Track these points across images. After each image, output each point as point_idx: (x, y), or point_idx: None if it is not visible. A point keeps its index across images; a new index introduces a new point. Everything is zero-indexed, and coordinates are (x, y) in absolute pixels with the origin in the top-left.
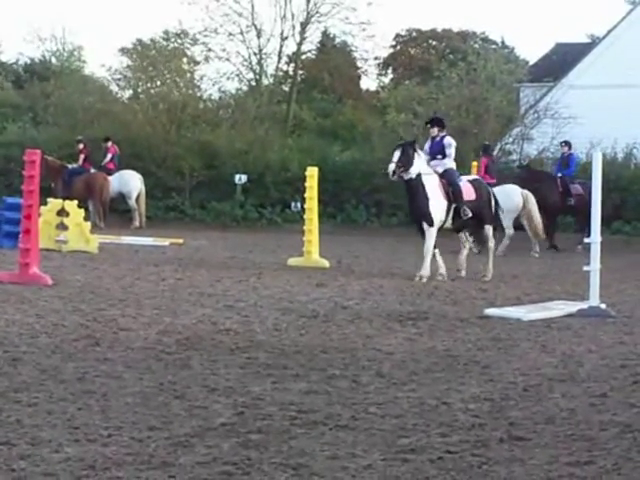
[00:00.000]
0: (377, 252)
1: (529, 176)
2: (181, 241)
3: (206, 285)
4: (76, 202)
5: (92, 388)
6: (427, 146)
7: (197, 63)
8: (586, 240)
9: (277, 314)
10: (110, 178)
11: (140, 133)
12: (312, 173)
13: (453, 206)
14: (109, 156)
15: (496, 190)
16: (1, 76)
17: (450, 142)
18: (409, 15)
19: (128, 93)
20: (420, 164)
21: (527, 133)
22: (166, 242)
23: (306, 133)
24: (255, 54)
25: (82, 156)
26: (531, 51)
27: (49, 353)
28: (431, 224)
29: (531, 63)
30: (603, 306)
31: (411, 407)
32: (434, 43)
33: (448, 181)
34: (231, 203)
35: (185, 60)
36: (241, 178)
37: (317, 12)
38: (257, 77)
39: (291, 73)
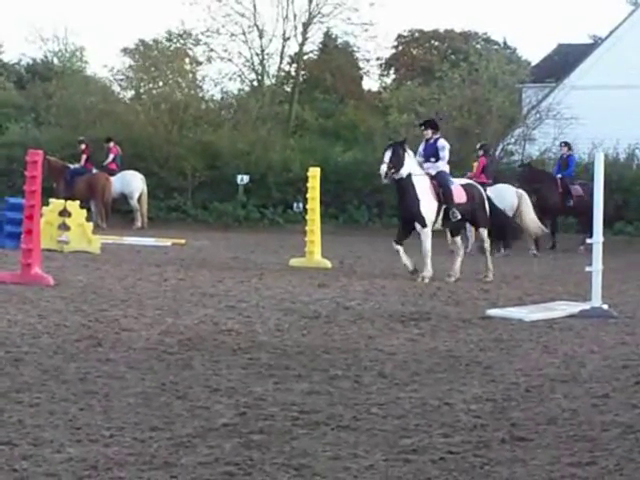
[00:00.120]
0: (379, 253)
1: (530, 176)
2: (183, 241)
3: (208, 285)
4: (78, 202)
5: (94, 388)
6: (421, 148)
7: (199, 63)
8: (588, 241)
9: (279, 314)
10: (112, 178)
11: (142, 133)
12: (314, 173)
13: (443, 207)
14: (111, 156)
15: (490, 190)
16: (3, 76)
17: (444, 145)
18: (411, 16)
19: (130, 93)
20: (410, 164)
21: (529, 134)
22: (168, 242)
23: (308, 133)
24: (257, 54)
25: (84, 156)
26: (533, 52)
27: (51, 353)
28: (424, 225)
29: (533, 64)
30: (605, 307)
31: (413, 408)
32: (436, 44)
33: (439, 182)
34: (233, 203)
35: (187, 60)
36: (243, 178)
37: (319, 12)
38: (259, 77)
39: (293, 73)
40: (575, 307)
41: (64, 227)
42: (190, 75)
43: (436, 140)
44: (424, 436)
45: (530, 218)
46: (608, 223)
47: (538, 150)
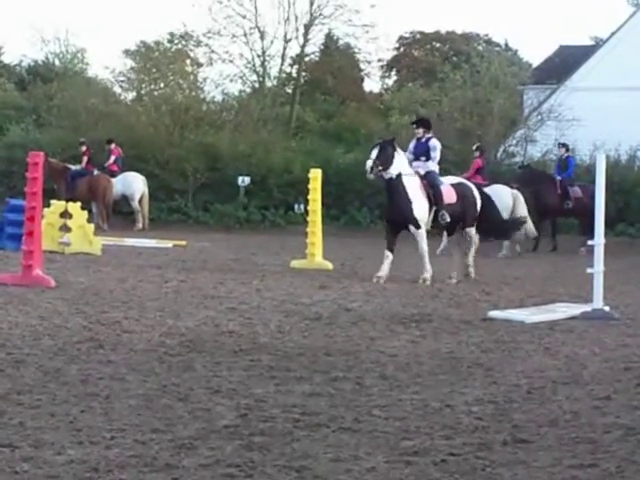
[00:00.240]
0: (380, 254)
1: (529, 177)
2: (184, 243)
3: (209, 287)
4: (79, 204)
5: (95, 390)
6: (412, 146)
7: (200, 65)
8: (590, 242)
9: (280, 316)
10: (113, 180)
11: (143, 135)
12: (315, 175)
13: (433, 208)
14: (112, 158)
15: (486, 191)
16: (4, 78)
17: (435, 145)
18: (412, 17)
19: (131, 95)
20: (401, 164)
21: (530, 135)
22: (169, 244)
23: (309, 135)
24: (258, 56)
25: (85, 158)
26: (535, 53)
27: (52, 355)
28: (418, 227)
29: (535, 65)
30: (607, 308)
31: (414, 409)
32: (438, 45)
33: (429, 183)
34: (234, 205)
35: (188, 62)
36: (244, 180)
37: (320, 14)
38: (260, 79)
39: (294, 75)
40: (576, 309)
41: (65, 229)
42: (191, 77)
43: (428, 139)
44: (425, 438)
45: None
46: (609, 225)
47: (539, 152)
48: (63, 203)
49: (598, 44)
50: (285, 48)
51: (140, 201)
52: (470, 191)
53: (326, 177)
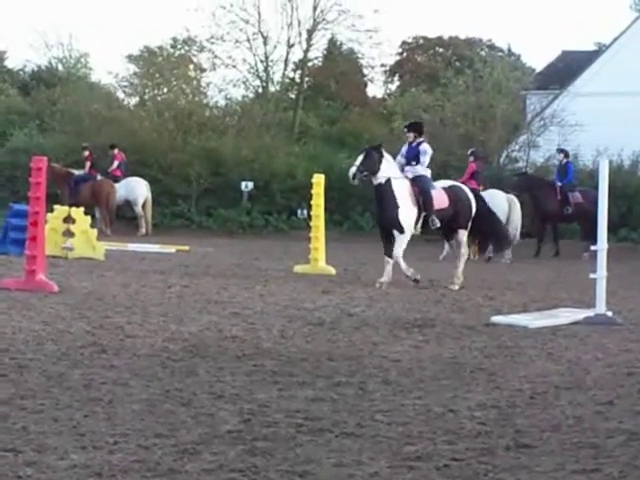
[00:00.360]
0: (383, 259)
1: (527, 183)
2: (187, 248)
3: (212, 292)
4: (82, 209)
5: (98, 395)
6: (404, 150)
7: (203, 70)
8: (592, 247)
9: (283, 321)
10: (116, 185)
11: (146, 140)
12: (318, 180)
13: (423, 214)
14: (116, 163)
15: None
16: (7, 83)
17: (426, 150)
18: (415, 22)
19: (134, 100)
20: (389, 169)
21: (533, 140)
22: (172, 249)
23: (312, 140)
24: (261, 61)
25: (88, 163)
26: (537, 59)
27: (55, 360)
28: (401, 231)
29: (537, 70)
30: (609, 314)
31: (417, 414)
32: (440, 50)
33: (419, 188)
34: (237, 210)
35: (192, 67)
36: (247, 185)
37: (323, 19)
38: (263, 84)
39: (297, 80)
40: (579, 314)
41: (68, 234)
42: (194, 82)
43: (419, 144)
44: (428, 443)
45: (514, 225)
46: (612, 230)
47: (542, 157)
48: (66, 208)
49: (601, 49)
50: (288, 53)
51: (143, 206)
52: (464, 193)
53: (329, 182)
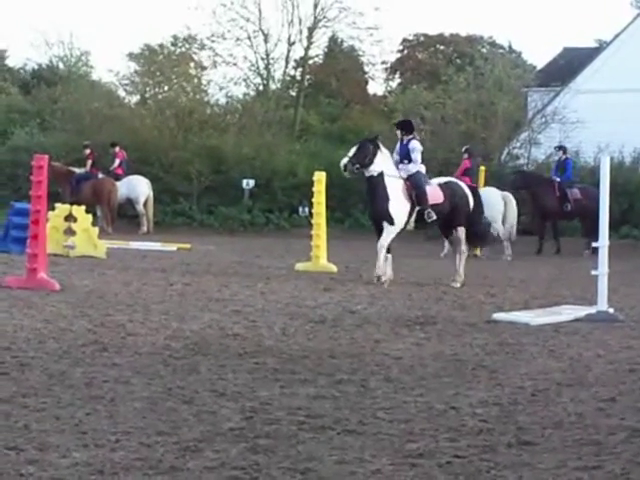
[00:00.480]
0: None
1: (524, 181)
2: (189, 246)
3: (214, 290)
4: (84, 207)
5: (100, 393)
6: (397, 148)
7: (204, 68)
8: (594, 244)
9: (285, 319)
10: (118, 183)
11: (148, 138)
12: (320, 178)
13: (417, 209)
14: (117, 161)
15: None
16: (8, 81)
17: (415, 147)
18: (416, 20)
19: (135, 98)
20: (383, 163)
21: (535, 137)
22: (174, 247)
23: (313, 138)
24: (262, 59)
25: (89, 161)
26: (539, 56)
27: (57, 358)
28: (391, 223)
29: (539, 67)
30: (611, 310)
31: (419, 412)
32: (441, 48)
33: (412, 184)
34: (239, 208)
35: (192, 65)
36: (249, 183)
37: (324, 17)
38: (264, 82)
39: (298, 78)
40: (581, 311)
41: (70, 232)
42: (195, 80)
43: (409, 141)
44: (430, 440)
45: (510, 222)
46: (614, 227)
47: (543, 154)
48: (68, 206)
49: (602, 46)
50: (289, 51)
51: (145, 204)
52: (461, 189)
53: (330, 180)
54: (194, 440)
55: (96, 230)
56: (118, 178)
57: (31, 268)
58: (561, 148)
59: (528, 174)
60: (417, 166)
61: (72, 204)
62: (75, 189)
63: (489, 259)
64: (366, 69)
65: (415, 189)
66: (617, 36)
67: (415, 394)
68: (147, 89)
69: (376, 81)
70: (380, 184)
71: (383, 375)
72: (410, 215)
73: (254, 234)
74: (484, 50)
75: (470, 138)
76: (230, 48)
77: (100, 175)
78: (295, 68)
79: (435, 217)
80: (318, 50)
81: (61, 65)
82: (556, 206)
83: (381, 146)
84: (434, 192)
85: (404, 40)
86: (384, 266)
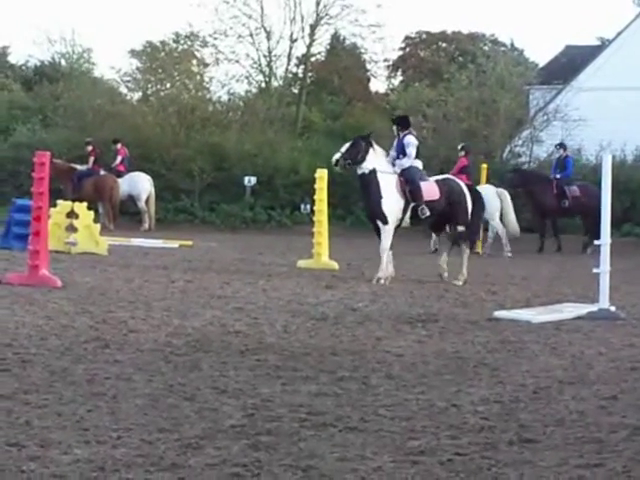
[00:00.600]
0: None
1: (521, 179)
2: (190, 243)
3: (215, 287)
4: (86, 204)
5: (102, 390)
6: (395, 143)
7: (206, 65)
8: (596, 242)
9: (286, 316)
10: (120, 180)
11: (150, 135)
12: (321, 175)
13: (411, 205)
14: (119, 158)
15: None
16: (10, 78)
17: (409, 141)
18: (419, 17)
19: (137, 95)
20: (376, 160)
21: (537, 135)
22: (175, 244)
23: (315, 135)
24: (264, 56)
25: (91, 158)
26: (541, 53)
27: (59, 355)
28: (385, 222)
29: (541, 65)
30: (613, 308)
31: (421, 409)
32: (444, 45)
33: (406, 179)
34: (240, 205)
35: (194, 62)
36: (250, 180)
37: (327, 14)
38: (266, 79)
39: (300, 75)
40: (583, 309)
41: (71, 229)
42: (197, 77)
43: (404, 136)
44: (432, 438)
45: (509, 218)
46: (615, 225)
47: (545, 152)
48: (69, 203)
49: (604, 44)
50: (291, 48)
51: (146, 201)
52: (458, 187)
53: (332, 177)
54: (195, 437)
55: (98, 227)
56: (120, 175)
57: (33, 265)
58: (561, 146)
59: (525, 172)
60: (411, 160)
61: (74, 201)
62: (77, 186)
63: (490, 256)
64: (368, 66)
65: (408, 184)
66: (619, 34)
67: (417, 391)
68: (149, 86)
69: (378, 79)
70: (372, 182)
71: (385, 372)
72: (405, 212)
73: (256, 231)
74: (486, 48)
75: (472, 136)
76: (232, 45)
77: (102, 172)
78: (297, 65)
79: (429, 213)
80: (320, 47)
81: (63, 62)
82: (554, 203)
83: (374, 143)
84: (430, 188)
85: (406, 38)
86: (387, 269)
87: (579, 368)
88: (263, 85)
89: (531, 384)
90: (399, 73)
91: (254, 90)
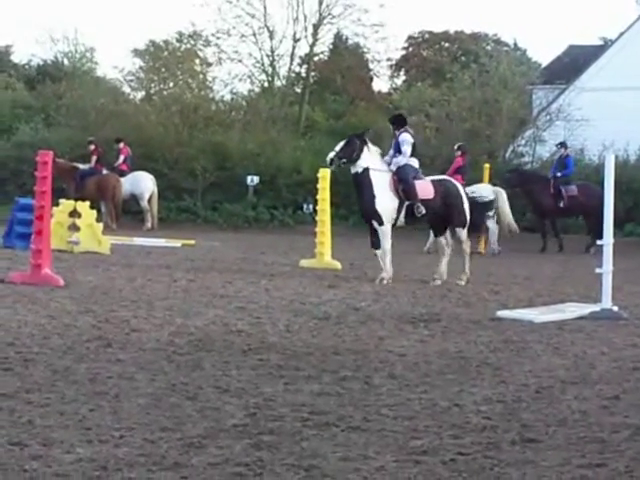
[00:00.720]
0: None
1: (519, 179)
2: (193, 242)
3: (218, 286)
4: (88, 203)
5: (104, 389)
6: (393, 143)
7: (209, 65)
8: (598, 242)
9: (289, 316)
10: (122, 179)
11: (152, 134)
12: (324, 175)
13: (406, 204)
14: (122, 157)
15: (467, 190)
16: (13, 77)
17: (404, 139)
18: (421, 17)
19: (140, 94)
20: (370, 159)
21: (539, 135)
22: (178, 243)
23: (318, 135)
24: (267, 56)
25: (94, 157)
26: (544, 53)
27: (61, 354)
28: (381, 223)
29: (544, 65)
30: (615, 308)
31: (423, 409)
32: (446, 45)
33: (399, 178)
34: (243, 204)
35: (197, 62)
36: (253, 179)
37: (329, 14)
38: (269, 79)
39: (303, 75)
40: (585, 309)
41: (74, 228)
42: (200, 76)
43: (400, 134)
44: (434, 437)
45: (506, 217)
46: (618, 225)
47: (548, 151)
48: (72, 202)
49: (607, 44)
50: (294, 47)
51: (149, 200)
52: (455, 188)
53: (335, 177)
54: (198, 436)
55: (100, 226)
56: (123, 174)
57: (35, 264)
58: (562, 144)
59: (523, 172)
60: (405, 158)
61: (76, 200)
62: (79, 185)
63: (493, 256)
64: (371, 66)
65: (401, 183)
66: (622, 34)
67: (419, 391)
68: (152, 85)
69: (381, 78)
70: (365, 181)
71: (387, 372)
72: (399, 211)
73: (258, 231)
74: (489, 48)
75: (475, 135)
76: (235, 45)
77: (104, 171)
78: (300, 65)
79: (424, 211)
80: (323, 47)
81: (66, 61)
82: (551, 203)
83: (369, 142)
84: (424, 187)
85: (409, 37)
86: (391, 269)
87: (581, 368)
88: (266, 84)
89: (534, 384)
90: (402, 73)
91: (257, 89)
